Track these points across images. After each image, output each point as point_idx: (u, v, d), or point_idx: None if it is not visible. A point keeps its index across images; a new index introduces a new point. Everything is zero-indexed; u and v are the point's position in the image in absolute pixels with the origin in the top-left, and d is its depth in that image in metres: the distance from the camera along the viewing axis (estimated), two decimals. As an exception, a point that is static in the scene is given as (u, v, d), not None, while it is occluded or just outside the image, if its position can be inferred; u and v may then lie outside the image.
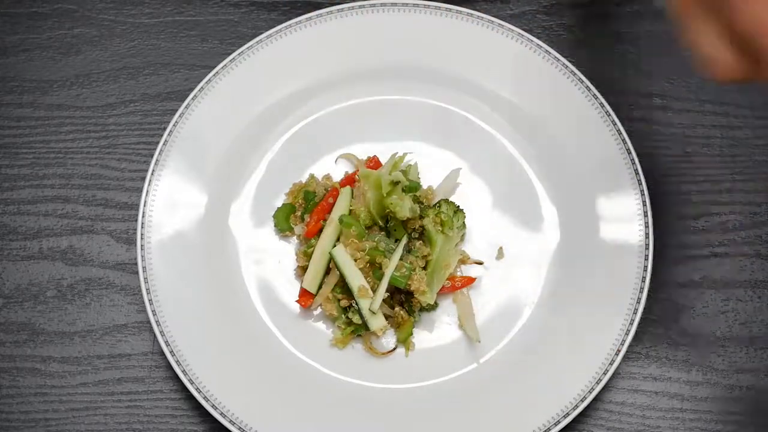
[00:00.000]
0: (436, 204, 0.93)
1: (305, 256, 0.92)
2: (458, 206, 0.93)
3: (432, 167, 0.96)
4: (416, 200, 0.92)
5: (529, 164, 0.97)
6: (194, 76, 1.02)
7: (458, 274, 0.93)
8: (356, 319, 0.89)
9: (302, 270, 0.93)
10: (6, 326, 0.94)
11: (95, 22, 1.05)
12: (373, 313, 0.89)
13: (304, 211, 0.94)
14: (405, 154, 0.95)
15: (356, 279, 0.89)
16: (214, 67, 0.97)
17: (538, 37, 0.98)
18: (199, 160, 0.95)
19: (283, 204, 0.95)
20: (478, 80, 0.98)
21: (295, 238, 0.95)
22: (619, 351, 0.87)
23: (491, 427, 0.87)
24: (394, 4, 0.99)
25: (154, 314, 0.89)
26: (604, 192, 0.93)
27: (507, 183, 0.97)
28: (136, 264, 0.95)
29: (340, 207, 0.93)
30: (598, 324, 0.89)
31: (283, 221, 0.95)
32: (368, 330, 0.90)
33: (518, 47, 0.97)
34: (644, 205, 0.92)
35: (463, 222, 0.93)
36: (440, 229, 0.92)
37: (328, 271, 0.91)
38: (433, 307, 0.92)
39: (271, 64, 0.98)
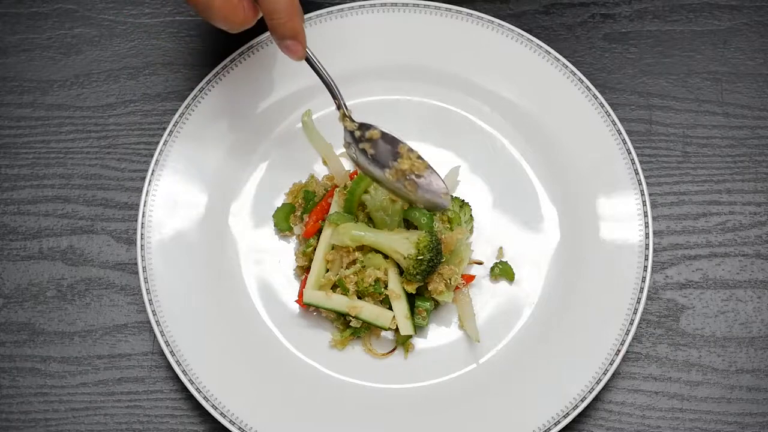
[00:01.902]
0: None
1: (304, 256, 0.92)
2: (463, 200, 0.93)
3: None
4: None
5: (529, 164, 0.97)
6: (194, 76, 1.02)
7: (457, 273, 0.93)
8: (355, 323, 0.89)
9: (301, 270, 0.93)
10: (6, 326, 0.94)
11: (95, 22, 1.05)
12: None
13: (303, 211, 0.94)
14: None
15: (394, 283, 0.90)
16: (214, 67, 0.97)
17: (538, 37, 0.98)
18: (199, 160, 0.95)
19: (282, 204, 0.95)
20: (478, 80, 0.98)
21: (294, 237, 0.95)
22: (619, 351, 0.87)
23: (491, 427, 0.87)
24: (394, 4, 0.99)
25: (154, 314, 0.89)
26: (604, 192, 0.93)
27: (507, 183, 0.97)
28: (136, 264, 0.95)
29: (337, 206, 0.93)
30: (598, 324, 0.89)
31: (283, 221, 0.95)
32: (403, 334, 0.90)
33: (518, 47, 0.97)
34: (644, 205, 0.92)
35: (470, 215, 0.94)
36: (449, 226, 0.92)
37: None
38: (433, 307, 0.92)
39: (271, 64, 0.98)
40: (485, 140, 0.98)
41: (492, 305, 0.93)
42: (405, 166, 0.86)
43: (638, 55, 1.03)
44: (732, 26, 1.04)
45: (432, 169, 0.86)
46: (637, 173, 0.93)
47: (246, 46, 0.97)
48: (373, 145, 0.87)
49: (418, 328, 0.91)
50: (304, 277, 0.92)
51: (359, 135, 0.87)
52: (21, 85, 1.03)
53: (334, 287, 0.90)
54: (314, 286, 0.90)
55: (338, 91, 0.88)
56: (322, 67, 0.88)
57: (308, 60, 0.87)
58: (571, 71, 0.96)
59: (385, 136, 0.87)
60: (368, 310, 0.89)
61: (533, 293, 0.93)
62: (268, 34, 0.98)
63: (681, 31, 1.04)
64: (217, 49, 1.03)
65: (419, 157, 0.87)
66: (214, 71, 0.97)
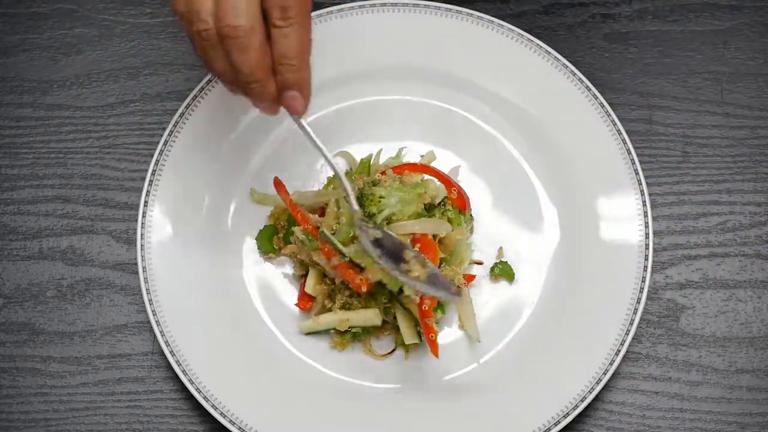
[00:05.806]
0: (440, 203, 0.93)
1: (302, 265, 0.92)
2: None
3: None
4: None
5: (529, 164, 0.97)
6: (194, 76, 1.02)
7: (457, 273, 0.93)
8: (356, 328, 0.90)
9: (300, 277, 0.93)
10: (6, 326, 0.94)
11: (95, 22, 1.05)
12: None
13: (287, 233, 0.93)
14: (380, 151, 0.95)
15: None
16: (214, 67, 0.97)
17: (538, 37, 0.98)
18: (199, 160, 0.95)
19: (264, 226, 0.95)
20: (478, 80, 0.98)
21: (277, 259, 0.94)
22: (619, 351, 0.87)
23: (491, 427, 0.87)
24: (394, 4, 0.99)
25: (154, 314, 0.89)
26: (604, 192, 0.93)
27: (507, 183, 0.97)
28: (136, 264, 0.95)
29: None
30: (598, 324, 0.89)
31: (266, 243, 0.94)
32: (405, 343, 0.90)
33: (518, 47, 0.97)
34: (644, 205, 0.92)
35: (471, 215, 0.94)
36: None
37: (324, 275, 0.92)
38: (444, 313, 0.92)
39: (271, 64, 0.98)
40: (485, 140, 0.98)
41: (492, 305, 0.93)
42: (415, 274, 0.83)
43: (638, 55, 1.03)
44: (732, 26, 1.04)
45: (436, 271, 0.84)
46: (637, 173, 0.93)
47: (246, 46, 0.97)
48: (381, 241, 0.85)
49: (417, 324, 0.91)
50: (303, 280, 0.92)
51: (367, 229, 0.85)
52: (21, 85, 1.03)
53: (333, 291, 0.91)
54: (313, 290, 0.90)
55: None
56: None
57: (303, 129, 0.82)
58: (571, 71, 0.96)
59: (389, 237, 0.85)
60: (356, 317, 0.89)
61: (533, 293, 0.93)
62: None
63: (681, 31, 1.04)
64: (217, 49, 1.03)
65: (424, 263, 0.84)
66: (214, 71, 0.97)
